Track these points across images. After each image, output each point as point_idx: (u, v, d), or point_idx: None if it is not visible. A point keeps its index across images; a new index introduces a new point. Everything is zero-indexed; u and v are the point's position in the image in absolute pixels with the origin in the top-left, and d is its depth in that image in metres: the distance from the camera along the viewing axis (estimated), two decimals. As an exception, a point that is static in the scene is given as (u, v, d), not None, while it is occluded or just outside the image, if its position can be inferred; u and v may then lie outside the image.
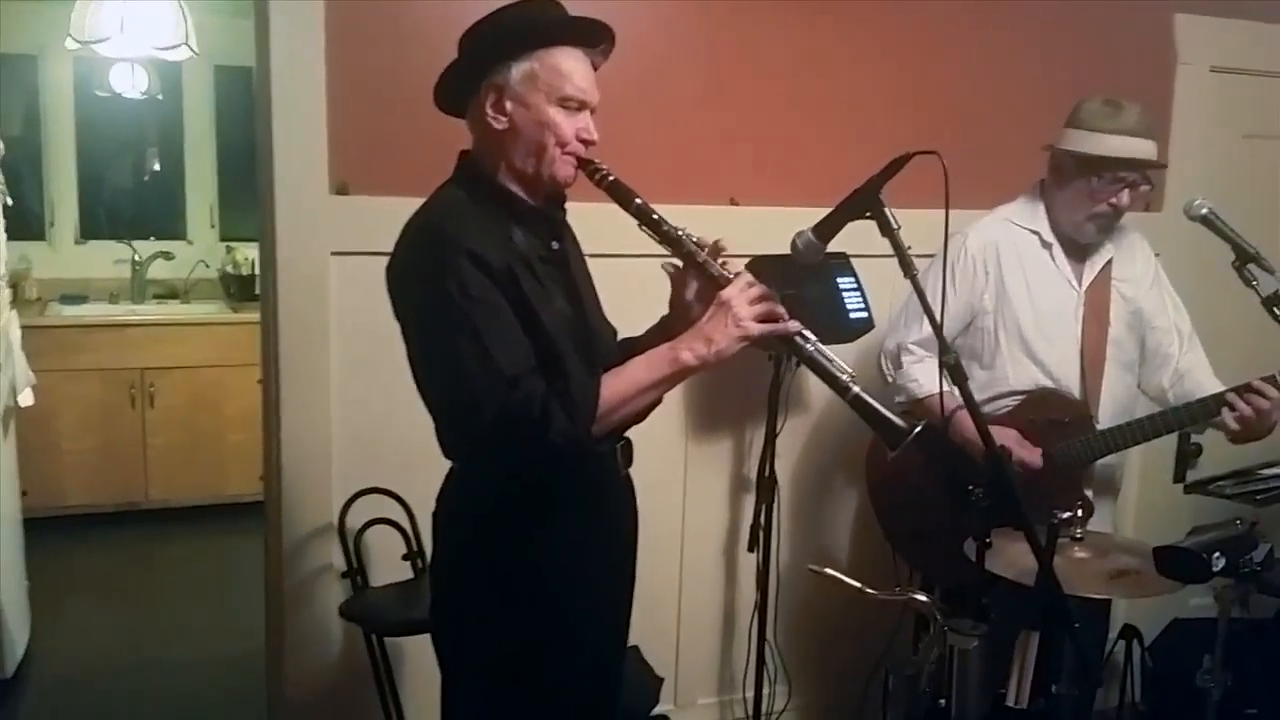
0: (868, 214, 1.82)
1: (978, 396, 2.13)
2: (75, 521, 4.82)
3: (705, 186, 2.94)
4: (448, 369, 1.69)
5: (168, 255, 5.41)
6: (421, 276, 1.72)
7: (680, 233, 1.79)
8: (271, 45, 2.55)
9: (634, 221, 1.80)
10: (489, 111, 1.77)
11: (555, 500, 1.80)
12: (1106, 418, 2.51)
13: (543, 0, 1.80)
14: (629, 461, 1.95)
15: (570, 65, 1.77)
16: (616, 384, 1.72)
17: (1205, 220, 2.39)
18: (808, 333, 1.74)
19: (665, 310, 1.94)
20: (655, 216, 1.78)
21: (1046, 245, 2.55)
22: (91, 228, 5.47)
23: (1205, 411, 2.37)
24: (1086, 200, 2.45)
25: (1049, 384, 2.52)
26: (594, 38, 1.82)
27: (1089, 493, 2.53)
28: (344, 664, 2.78)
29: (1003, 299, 2.53)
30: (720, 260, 1.79)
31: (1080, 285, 2.55)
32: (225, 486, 4.94)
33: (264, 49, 2.57)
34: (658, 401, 1.82)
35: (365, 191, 2.62)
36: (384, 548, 2.69)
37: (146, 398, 4.91)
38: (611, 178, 1.79)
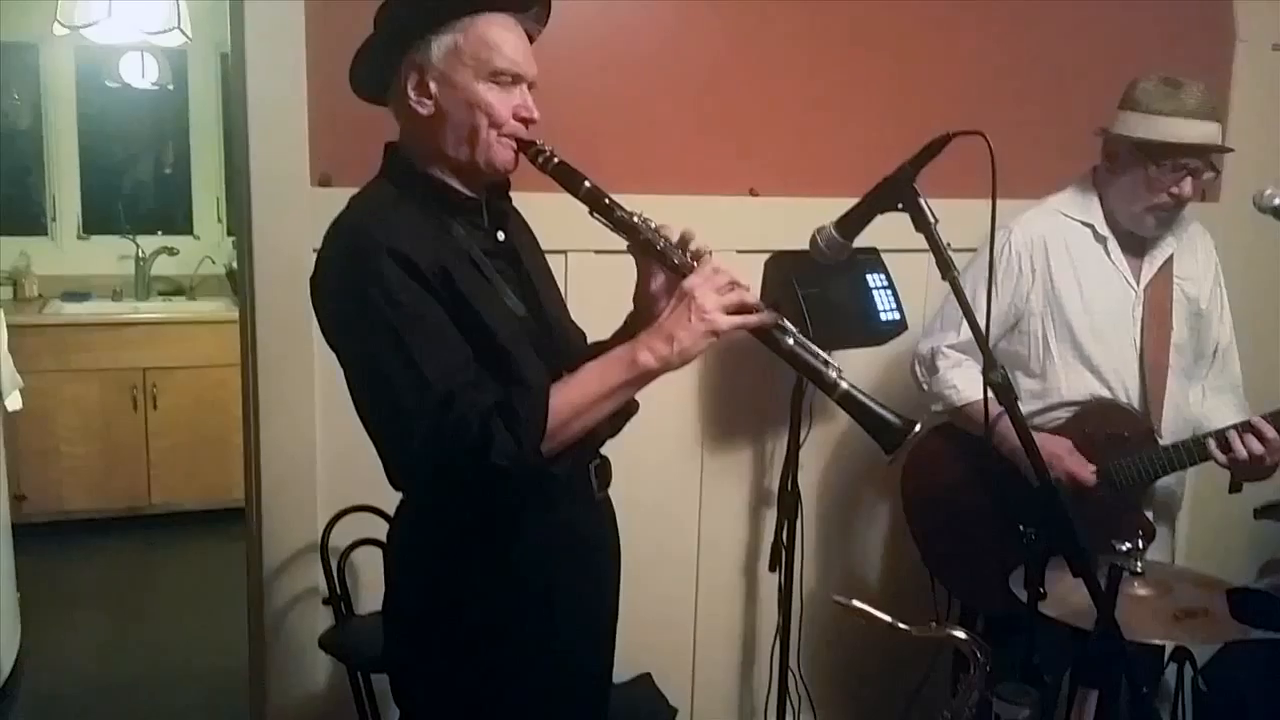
0: (899, 205, 1.62)
1: (1025, 409, 1.92)
2: (75, 527, 4.70)
3: (721, 176, 2.72)
4: (375, 387, 1.52)
5: (172, 250, 5.27)
6: (340, 282, 1.54)
7: (636, 218, 1.59)
8: (247, 25, 2.35)
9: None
10: (412, 95, 1.59)
11: (517, 534, 1.60)
12: (1169, 432, 2.30)
13: None
14: (606, 483, 1.75)
15: (498, 35, 1.57)
16: (568, 393, 1.52)
17: (1278, 213, 2.16)
18: (786, 323, 1.55)
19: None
20: (607, 201, 1.60)
21: (1101, 239, 2.33)
22: (95, 222, 5.32)
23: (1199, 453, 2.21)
24: (1145, 190, 2.24)
25: (1105, 394, 2.30)
26: (521, 1, 1.62)
27: (1148, 514, 2.30)
28: (329, 693, 2.59)
29: (1051, 299, 2.32)
30: (688, 248, 1.59)
31: (1139, 283, 2.33)
32: (230, 491, 4.73)
33: (239, 29, 2.37)
34: (634, 410, 1.65)
35: (349, 183, 2.31)
36: (372, 570, 2.47)
37: (149, 399, 4.77)
38: (556, 160, 1.60)
